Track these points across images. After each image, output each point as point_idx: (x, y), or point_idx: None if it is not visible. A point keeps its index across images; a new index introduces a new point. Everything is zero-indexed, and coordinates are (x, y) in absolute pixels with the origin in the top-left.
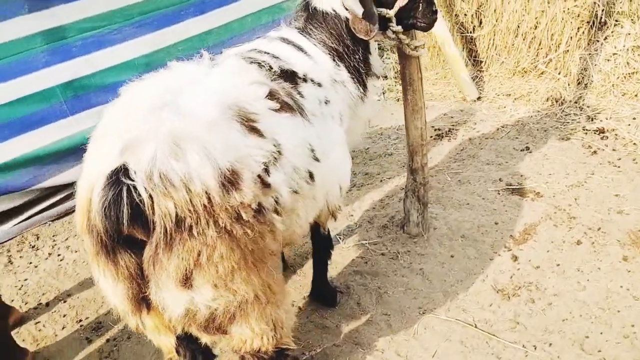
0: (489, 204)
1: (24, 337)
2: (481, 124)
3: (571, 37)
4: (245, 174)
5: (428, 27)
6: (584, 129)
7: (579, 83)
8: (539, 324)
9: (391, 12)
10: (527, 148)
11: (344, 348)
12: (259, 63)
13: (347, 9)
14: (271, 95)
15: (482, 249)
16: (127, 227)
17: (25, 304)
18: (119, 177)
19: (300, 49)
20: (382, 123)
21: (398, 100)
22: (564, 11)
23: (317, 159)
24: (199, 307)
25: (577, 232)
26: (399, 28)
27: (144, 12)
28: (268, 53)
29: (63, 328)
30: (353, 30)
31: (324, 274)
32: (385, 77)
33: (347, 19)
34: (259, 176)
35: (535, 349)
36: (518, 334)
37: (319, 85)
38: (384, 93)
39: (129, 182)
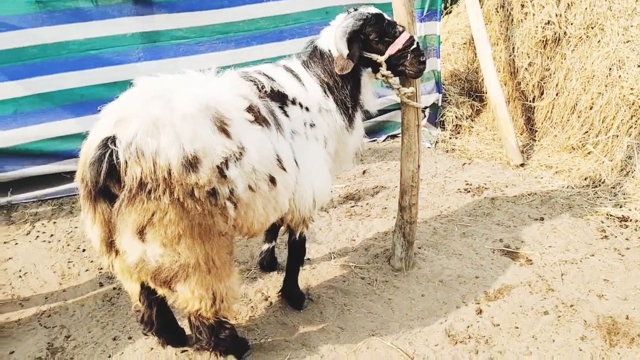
0: (478, 259)
1: (56, 269)
2: (511, 188)
3: (622, 123)
4: (205, 161)
5: (415, 74)
6: (607, 214)
7: (621, 170)
8: None
9: (381, 59)
10: (542, 218)
11: (290, 345)
12: (254, 81)
13: (337, 49)
14: (249, 109)
15: (453, 297)
16: (104, 180)
17: (68, 245)
18: (107, 143)
19: (297, 77)
20: (424, 169)
21: (447, 151)
22: (619, 97)
23: (283, 168)
24: (149, 259)
25: (549, 304)
26: (388, 72)
27: (225, 32)
28: (267, 76)
29: (86, 271)
30: (334, 64)
31: (294, 278)
32: (443, 128)
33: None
34: (217, 167)
35: None
36: None
37: (307, 109)
38: (436, 142)
39: (113, 147)
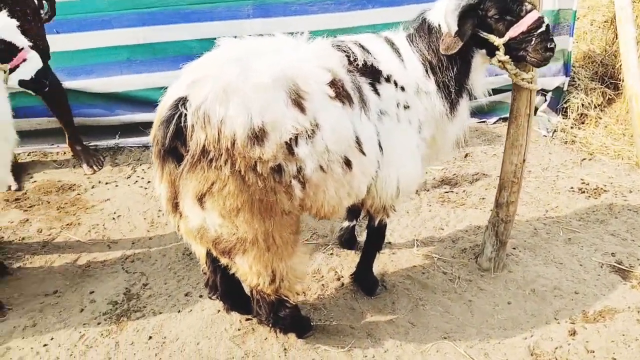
0: (581, 272)
1: (147, 216)
2: (636, 195)
3: None
4: (272, 135)
5: (539, 63)
6: None
7: None
8: None
9: (499, 41)
10: None
11: (355, 332)
12: (346, 52)
13: (445, 24)
14: (332, 83)
15: (544, 310)
16: (170, 142)
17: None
18: (178, 104)
19: (397, 52)
20: (534, 159)
21: (566, 143)
22: None
23: (362, 151)
24: (209, 227)
25: None
26: (506, 58)
27: None
28: (363, 47)
29: None
30: (441, 42)
31: (369, 264)
32: (566, 115)
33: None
34: (285, 142)
35: None
36: None
37: (402, 89)
38: (554, 131)
39: (183, 110)
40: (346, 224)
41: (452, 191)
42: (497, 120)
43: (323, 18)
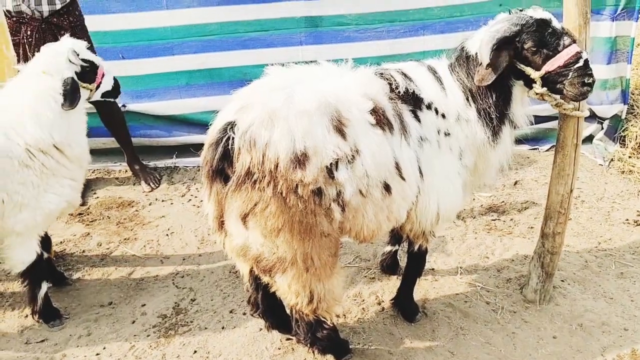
0: (632, 308)
1: (198, 233)
2: None
3: None
4: (314, 160)
5: (576, 97)
6: None
7: None
8: None
9: (536, 75)
10: None
11: (393, 358)
12: (388, 80)
13: (480, 56)
14: (373, 111)
15: (591, 346)
16: (218, 162)
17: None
18: (227, 128)
19: (439, 80)
20: (589, 189)
21: (623, 173)
22: None
23: (401, 177)
24: (251, 246)
25: None
26: (543, 90)
27: (391, 20)
28: (405, 75)
29: None
30: (476, 72)
31: (409, 289)
32: (623, 144)
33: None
34: (326, 167)
35: None
36: None
37: (443, 116)
38: (611, 160)
39: (231, 133)
40: (388, 248)
41: (499, 219)
42: (549, 148)
43: (375, 45)
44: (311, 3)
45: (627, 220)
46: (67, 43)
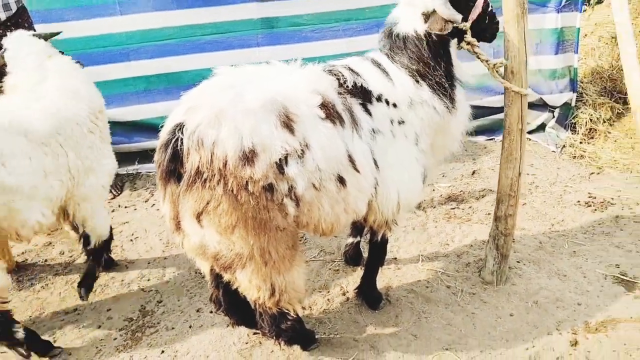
0: (585, 284)
1: (163, 237)
2: None
3: None
4: (262, 156)
5: (492, 38)
6: None
7: None
8: None
9: (467, 25)
10: None
11: (359, 345)
12: (337, 76)
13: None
14: (323, 105)
15: (546, 322)
16: (169, 164)
17: None
18: (175, 129)
19: (384, 71)
20: (542, 175)
21: (574, 158)
22: None
23: (355, 169)
24: (208, 244)
25: None
26: (473, 40)
27: (347, 19)
28: (353, 70)
29: None
30: (429, 28)
31: (372, 278)
32: (574, 130)
33: (427, 36)
34: (276, 163)
35: None
36: None
37: (394, 106)
38: (563, 147)
39: (180, 135)
40: (351, 240)
41: (458, 207)
42: None
43: (331, 44)
44: (266, 4)
45: (579, 202)
46: None
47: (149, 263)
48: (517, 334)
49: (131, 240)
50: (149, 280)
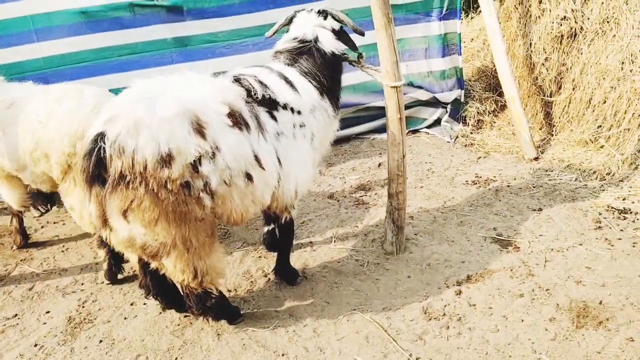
0: (468, 246)
1: (93, 246)
2: (518, 181)
3: (634, 117)
4: (178, 159)
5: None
6: (608, 206)
7: (631, 163)
8: (436, 345)
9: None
10: (540, 209)
11: (279, 315)
12: (246, 87)
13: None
14: (230, 114)
15: (436, 279)
16: (94, 169)
17: None
18: (97, 139)
19: (291, 84)
20: (438, 162)
21: (465, 146)
22: (631, 91)
23: (261, 167)
24: (135, 237)
25: (526, 287)
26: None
27: (250, 35)
28: (262, 82)
29: None
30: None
31: (285, 257)
32: (465, 123)
33: (335, 55)
34: (190, 164)
35: None
36: (413, 345)
37: (299, 112)
38: (456, 137)
39: (102, 143)
40: (266, 228)
41: (366, 195)
42: (407, 132)
43: (241, 58)
44: (176, 25)
45: (467, 181)
46: None
47: (81, 269)
48: (413, 291)
49: (62, 251)
50: (83, 284)
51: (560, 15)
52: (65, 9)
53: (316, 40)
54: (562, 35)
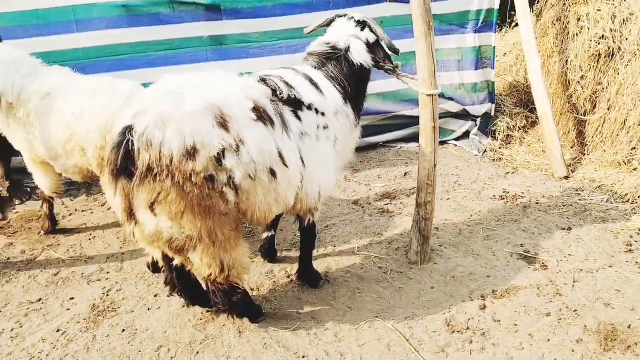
0: (494, 260)
1: (120, 236)
2: (548, 199)
3: None
4: (202, 152)
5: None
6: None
7: None
8: (459, 358)
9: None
10: (569, 228)
11: (301, 317)
12: (271, 87)
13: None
14: (254, 109)
15: (461, 291)
16: (122, 162)
17: None
18: (126, 132)
19: (316, 85)
20: (466, 175)
21: (494, 160)
22: None
23: (285, 164)
24: (162, 230)
25: (553, 307)
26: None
27: (284, 38)
28: (286, 82)
29: None
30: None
31: (308, 259)
32: (494, 137)
33: (363, 67)
34: (214, 157)
35: None
36: (436, 357)
37: (323, 114)
38: (485, 151)
39: (130, 136)
40: (266, 234)
41: (391, 203)
42: None
43: (274, 59)
44: (213, 24)
45: (494, 196)
46: None
47: (107, 258)
48: (437, 302)
49: (89, 239)
50: (108, 272)
51: (599, 34)
52: (107, 1)
53: (347, 50)
54: (599, 54)
